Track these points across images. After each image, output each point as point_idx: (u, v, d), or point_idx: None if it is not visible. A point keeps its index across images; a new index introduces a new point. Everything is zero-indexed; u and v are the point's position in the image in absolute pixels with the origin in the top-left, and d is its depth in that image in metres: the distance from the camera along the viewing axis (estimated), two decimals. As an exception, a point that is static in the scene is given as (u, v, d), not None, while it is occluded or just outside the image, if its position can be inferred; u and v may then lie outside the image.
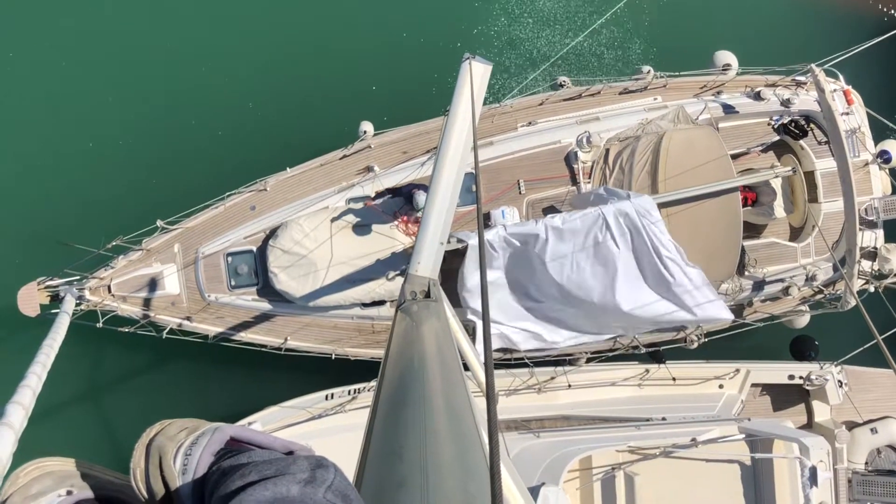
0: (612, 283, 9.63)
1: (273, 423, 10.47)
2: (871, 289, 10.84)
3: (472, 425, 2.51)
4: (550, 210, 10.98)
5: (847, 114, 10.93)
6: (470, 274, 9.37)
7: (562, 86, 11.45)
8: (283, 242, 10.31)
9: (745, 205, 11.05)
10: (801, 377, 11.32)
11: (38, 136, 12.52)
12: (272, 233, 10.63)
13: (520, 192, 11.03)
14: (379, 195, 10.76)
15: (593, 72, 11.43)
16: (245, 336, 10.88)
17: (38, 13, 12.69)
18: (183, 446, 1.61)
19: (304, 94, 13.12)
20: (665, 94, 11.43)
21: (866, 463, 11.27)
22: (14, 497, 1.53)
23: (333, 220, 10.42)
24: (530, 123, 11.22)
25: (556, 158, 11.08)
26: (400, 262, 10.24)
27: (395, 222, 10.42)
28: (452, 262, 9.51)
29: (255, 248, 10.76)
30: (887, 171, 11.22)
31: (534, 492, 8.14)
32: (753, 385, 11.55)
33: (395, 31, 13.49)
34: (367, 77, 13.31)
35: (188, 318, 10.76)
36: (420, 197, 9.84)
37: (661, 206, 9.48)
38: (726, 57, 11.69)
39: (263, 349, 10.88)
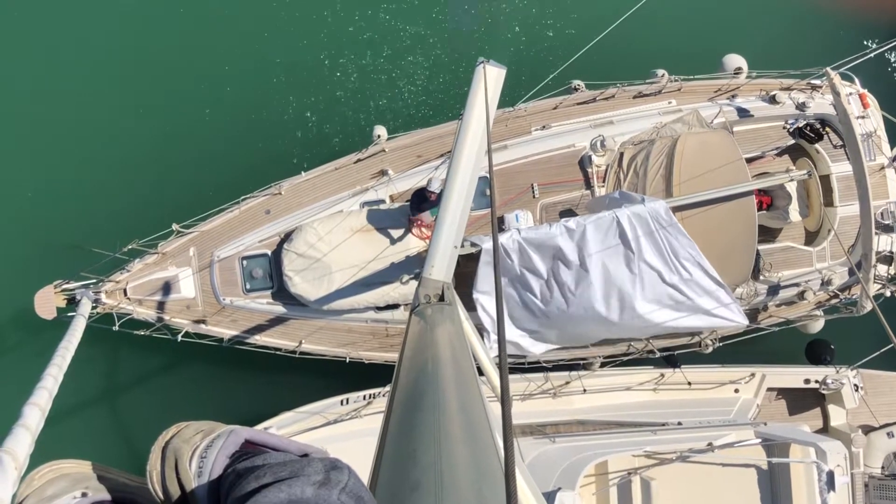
0: (626, 286, 9.60)
1: (288, 428, 10.50)
2: (888, 293, 10.79)
3: (487, 429, 2.51)
4: (565, 213, 10.97)
5: (863, 117, 10.89)
6: (484, 277, 9.36)
7: (576, 89, 11.44)
8: (297, 246, 10.34)
9: (760, 209, 11.01)
10: (816, 381, 11.27)
11: (53, 140, 12.60)
12: (287, 236, 10.67)
13: (534, 196, 11.03)
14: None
15: (608, 76, 11.41)
16: (260, 339, 10.91)
17: (48, 17, 12.78)
18: (198, 449, 1.61)
19: (319, 97, 13.16)
20: (679, 98, 11.41)
21: (883, 467, 11.19)
22: (30, 499, 1.54)
23: (341, 219, 10.45)
24: (544, 127, 11.22)
25: (570, 162, 11.07)
26: (414, 265, 10.25)
27: (411, 224, 10.44)
28: (466, 266, 9.51)
29: (269, 252, 10.80)
30: (903, 174, 11.17)
31: (550, 497, 8.13)
32: (769, 389, 11.50)
33: (409, 35, 13.50)
34: (381, 81, 13.35)
35: (203, 322, 10.79)
36: (434, 182, 9.83)
37: (676, 209, 9.45)
38: (736, 60, 11.67)
39: (278, 352, 10.92)
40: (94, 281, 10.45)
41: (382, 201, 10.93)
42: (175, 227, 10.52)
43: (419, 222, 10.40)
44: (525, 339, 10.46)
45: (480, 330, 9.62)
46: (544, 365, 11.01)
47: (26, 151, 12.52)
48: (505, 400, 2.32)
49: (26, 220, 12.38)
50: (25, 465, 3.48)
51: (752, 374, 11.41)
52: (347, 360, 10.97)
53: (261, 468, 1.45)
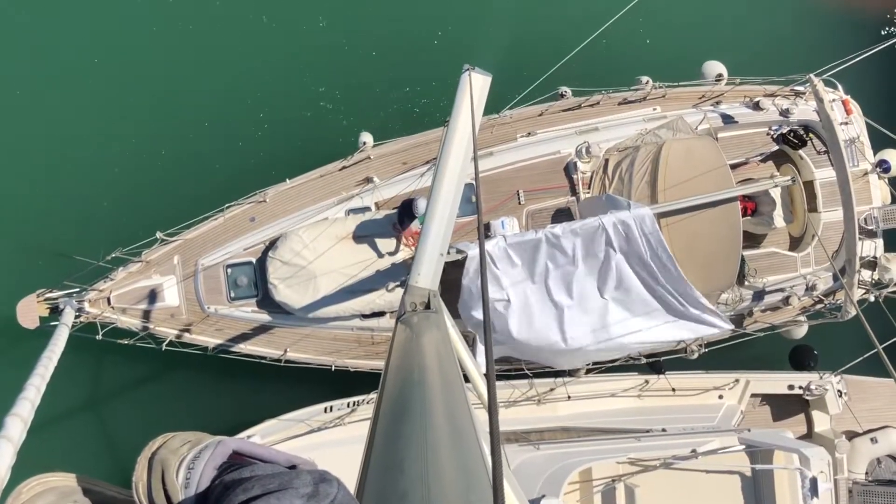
0: (611, 293, 9.62)
1: (272, 437, 10.45)
2: (871, 298, 10.83)
3: (473, 437, 2.51)
4: (551, 220, 10.98)
5: (846, 123, 10.95)
6: (471, 285, 9.35)
7: (562, 96, 11.46)
8: (282, 254, 10.30)
9: (744, 215, 11.05)
10: (800, 387, 11.31)
11: (37, 148, 12.51)
12: (272, 244, 10.63)
13: (519, 203, 11.04)
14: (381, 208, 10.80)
15: (593, 82, 11.43)
16: (244, 348, 10.87)
17: (34, 26, 12.71)
18: (185, 460, 1.60)
19: (303, 105, 13.13)
20: (664, 105, 11.45)
21: (866, 473, 11.25)
22: None
23: (326, 227, 10.43)
24: (529, 134, 11.24)
25: (555, 169, 11.09)
26: (400, 273, 10.24)
27: (396, 232, 10.42)
28: (452, 274, 9.50)
29: (254, 260, 10.76)
30: (886, 180, 11.23)
31: (534, 504, 8.13)
32: (753, 395, 11.54)
33: (395, 41, 13.50)
34: (367, 88, 13.33)
35: (188, 330, 10.75)
36: (421, 203, 9.81)
37: (661, 216, 9.47)
38: (717, 67, 11.73)
39: (263, 361, 10.87)
40: (78, 290, 10.39)
41: (368, 209, 10.91)
42: (159, 235, 10.48)
43: (405, 230, 10.39)
44: (511, 346, 10.47)
45: (467, 337, 9.62)
46: (528, 372, 11.01)
47: (8, 160, 12.42)
48: (493, 410, 2.32)
49: (8, 229, 12.28)
50: (7, 477, 3.46)
51: (736, 381, 11.45)
52: (333, 368, 10.94)
53: (249, 480, 1.43)
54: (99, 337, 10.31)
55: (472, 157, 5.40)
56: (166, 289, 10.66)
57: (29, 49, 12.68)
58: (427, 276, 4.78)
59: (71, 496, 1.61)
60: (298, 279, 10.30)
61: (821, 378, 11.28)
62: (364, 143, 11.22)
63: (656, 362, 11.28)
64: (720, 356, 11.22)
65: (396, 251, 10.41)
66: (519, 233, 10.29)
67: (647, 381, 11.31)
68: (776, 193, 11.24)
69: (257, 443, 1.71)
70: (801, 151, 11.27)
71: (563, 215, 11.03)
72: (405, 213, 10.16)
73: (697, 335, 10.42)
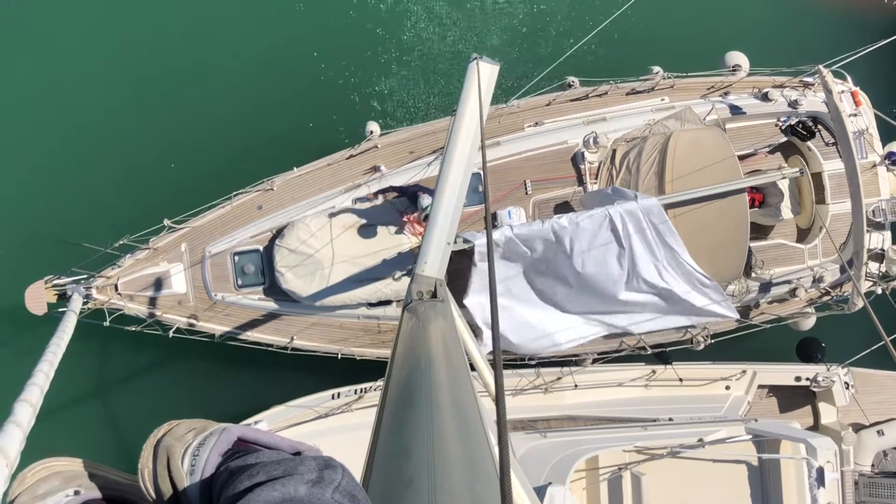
0: (618, 283, 9.61)
1: (279, 423, 10.48)
2: (879, 290, 10.82)
3: (479, 425, 2.51)
4: (557, 210, 10.97)
5: (855, 115, 10.89)
6: (480, 275, 9.35)
7: (570, 86, 11.44)
8: (289, 242, 10.31)
9: (752, 206, 11.01)
10: (807, 379, 11.29)
11: (45, 135, 12.55)
12: (279, 232, 10.64)
13: (526, 193, 11.02)
14: (381, 192, 10.78)
15: (601, 72, 11.40)
16: (251, 335, 10.89)
17: (41, 13, 12.72)
18: (191, 447, 1.60)
19: (311, 93, 13.13)
20: (672, 95, 11.41)
21: (872, 465, 11.23)
22: (22, 497, 1.53)
23: (333, 215, 10.43)
24: (537, 124, 11.21)
25: (562, 159, 11.07)
26: (406, 261, 10.23)
27: (403, 221, 10.41)
28: (459, 263, 9.50)
29: (261, 248, 10.77)
30: (895, 172, 11.19)
31: (540, 492, 8.12)
32: (760, 386, 11.52)
33: (402, 30, 13.48)
34: (374, 77, 13.32)
35: (195, 318, 10.77)
36: (424, 199, 9.82)
37: (668, 206, 9.45)
38: (737, 58, 11.67)
39: (270, 348, 10.89)
40: (85, 276, 10.42)
41: (372, 193, 10.91)
42: (166, 222, 10.48)
43: (411, 218, 10.38)
44: (518, 334, 10.46)
45: (473, 326, 9.62)
46: (533, 361, 11.00)
47: (15, 146, 12.46)
48: (500, 397, 2.32)
49: (16, 216, 12.33)
50: (16, 462, 3.47)
51: (744, 371, 11.43)
52: (339, 356, 10.96)
53: (254, 467, 1.44)
54: (106, 324, 10.34)
55: (479, 146, 5.39)
56: (173, 276, 10.68)
57: (32, 38, 12.69)
58: (433, 265, 4.78)
59: (76, 480, 1.61)
60: (305, 267, 10.31)
61: (828, 370, 11.26)
62: (371, 133, 11.21)
63: (663, 353, 11.27)
64: (727, 347, 11.21)
65: (403, 240, 10.40)
66: (526, 223, 10.28)
67: (653, 371, 11.31)
68: (784, 185, 11.20)
69: (263, 430, 1.72)
70: (809, 143, 11.24)
71: (570, 206, 11.01)
72: (411, 201, 10.19)
73: (701, 322, 10.45)
